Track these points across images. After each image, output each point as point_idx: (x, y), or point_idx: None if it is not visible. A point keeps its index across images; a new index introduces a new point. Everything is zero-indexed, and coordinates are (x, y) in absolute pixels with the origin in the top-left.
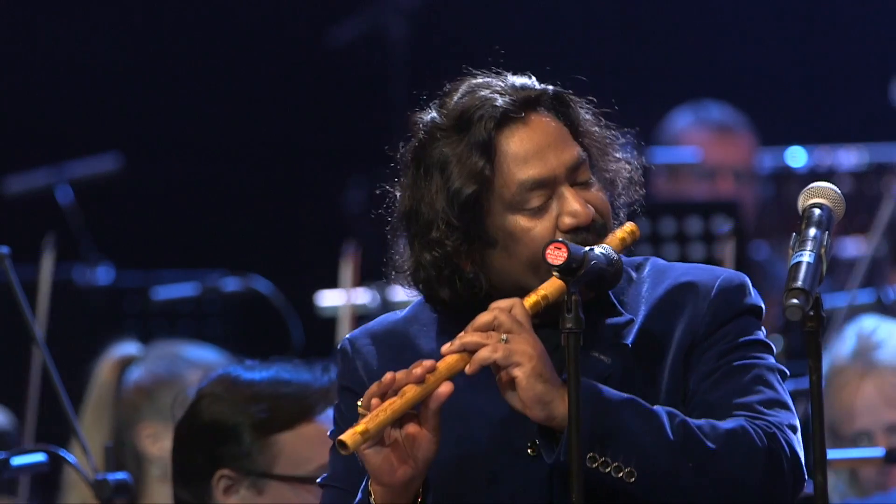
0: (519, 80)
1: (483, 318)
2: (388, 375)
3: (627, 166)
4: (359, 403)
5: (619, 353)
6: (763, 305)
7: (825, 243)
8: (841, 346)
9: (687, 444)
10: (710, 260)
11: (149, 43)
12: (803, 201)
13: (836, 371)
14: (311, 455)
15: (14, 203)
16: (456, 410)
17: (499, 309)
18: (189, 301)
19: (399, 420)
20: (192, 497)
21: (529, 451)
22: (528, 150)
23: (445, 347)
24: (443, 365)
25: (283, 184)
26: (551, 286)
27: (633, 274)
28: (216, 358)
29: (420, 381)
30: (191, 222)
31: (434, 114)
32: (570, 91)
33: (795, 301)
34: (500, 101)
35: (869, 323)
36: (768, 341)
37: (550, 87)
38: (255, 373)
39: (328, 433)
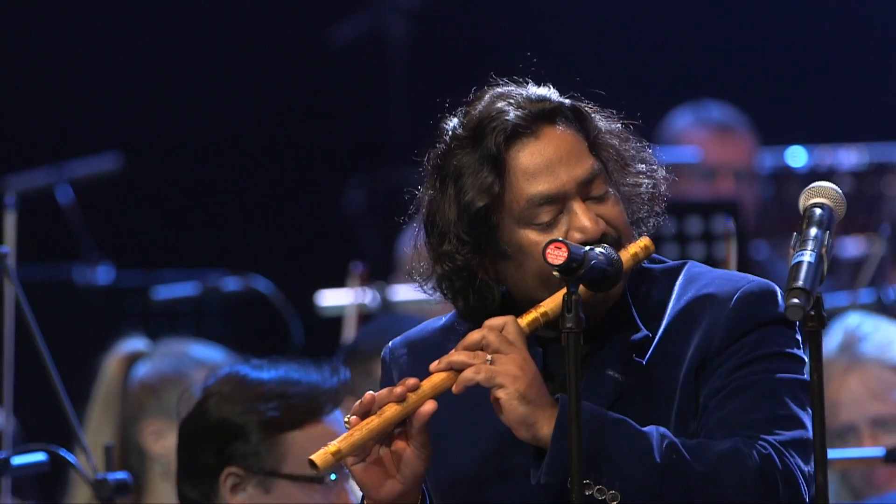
0: (537, 92)
1: (473, 336)
2: (368, 395)
3: (648, 180)
4: (346, 419)
5: (633, 372)
6: None
7: (826, 243)
8: (827, 342)
9: (674, 467)
10: (710, 260)
11: (149, 43)
12: (804, 201)
13: (827, 363)
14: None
15: (15, 203)
16: (465, 424)
17: (489, 328)
18: (189, 301)
19: (388, 436)
20: (198, 495)
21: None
22: (537, 164)
23: (433, 365)
24: (427, 384)
25: (283, 184)
26: (552, 302)
27: (666, 282)
28: (223, 358)
29: (401, 399)
30: (191, 222)
31: (455, 121)
32: (590, 103)
33: (796, 301)
34: (512, 115)
35: (854, 318)
36: (793, 352)
37: (567, 101)
38: (264, 372)
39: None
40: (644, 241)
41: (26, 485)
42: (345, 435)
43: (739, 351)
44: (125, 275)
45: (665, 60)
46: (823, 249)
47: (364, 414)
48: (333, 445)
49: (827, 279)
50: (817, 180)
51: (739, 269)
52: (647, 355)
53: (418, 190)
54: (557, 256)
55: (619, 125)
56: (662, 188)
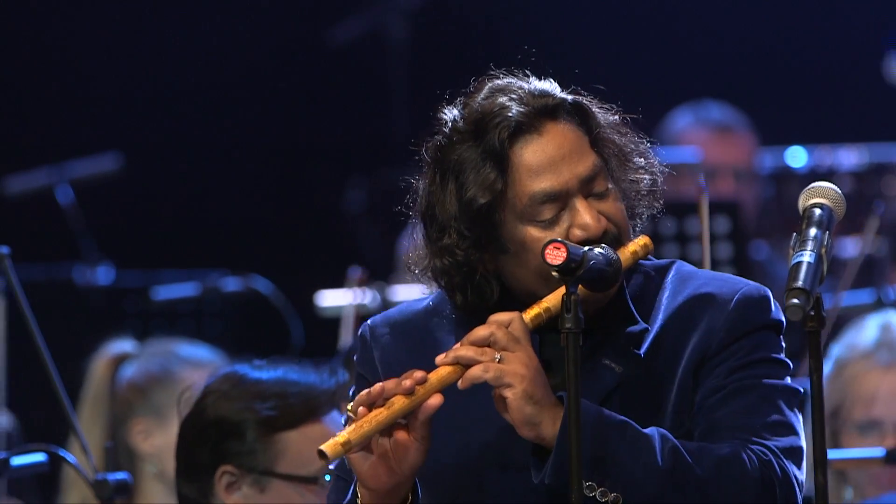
0: (539, 87)
1: (480, 331)
2: (377, 386)
3: (648, 177)
4: (348, 408)
5: (630, 363)
6: (784, 320)
7: (826, 243)
8: (861, 335)
9: (676, 471)
10: (710, 260)
11: (149, 43)
12: (804, 201)
13: (857, 357)
14: (314, 455)
15: (14, 203)
16: (460, 417)
17: (497, 324)
18: (189, 301)
19: (388, 428)
20: (195, 493)
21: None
22: (540, 161)
23: (440, 358)
24: (434, 377)
25: (283, 184)
26: (555, 298)
27: (657, 278)
28: (210, 356)
29: (409, 392)
30: (191, 222)
31: (456, 113)
32: (592, 97)
33: (796, 301)
34: (515, 111)
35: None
36: (784, 359)
37: (570, 96)
38: (263, 372)
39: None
40: (643, 240)
41: (26, 485)
42: (354, 426)
43: (737, 353)
44: (125, 275)
45: (665, 60)
46: (823, 250)
47: (371, 405)
48: (343, 436)
49: (826, 279)
50: (817, 180)
51: (739, 269)
52: (645, 347)
53: (415, 179)
54: (556, 257)
55: (617, 118)
56: (660, 183)
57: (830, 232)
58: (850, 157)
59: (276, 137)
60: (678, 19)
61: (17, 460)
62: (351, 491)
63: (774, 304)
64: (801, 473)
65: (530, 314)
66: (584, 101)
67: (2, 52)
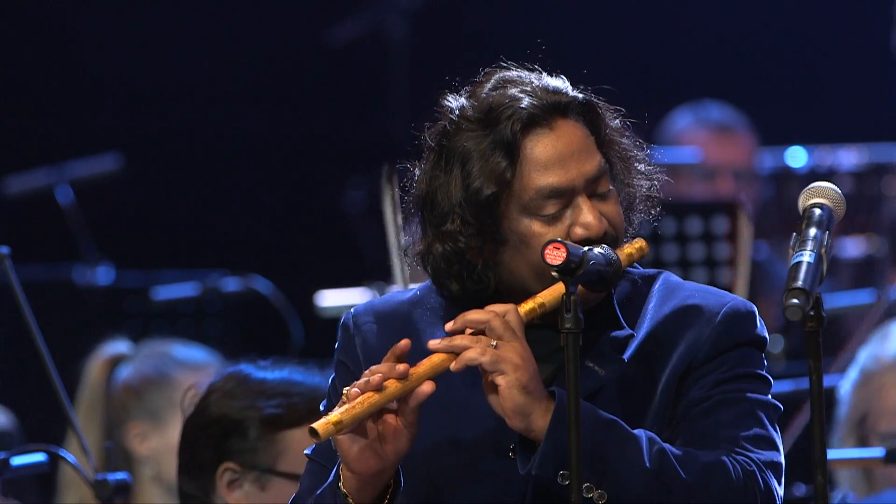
0: (552, 83)
1: (476, 314)
2: (375, 374)
3: (646, 182)
4: (345, 391)
5: (614, 367)
6: (767, 337)
7: (825, 243)
8: (888, 346)
9: (662, 473)
10: (710, 260)
11: (148, 43)
12: (804, 201)
13: (884, 370)
14: None
15: (14, 203)
16: (447, 403)
17: (494, 313)
18: (189, 301)
19: (377, 412)
20: (198, 491)
21: (511, 454)
22: (550, 157)
23: (433, 343)
24: (427, 363)
25: (283, 184)
26: (550, 294)
27: (643, 287)
28: (206, 357)
29: (403, 377)
30: (191, 222)
31: (463, 102)
32: (600, 97)
33: (796, 301)
34: (527, 103)
35: None
36: (767, 375)
37: (580, 95)
38: (267, 371)
39: None
40: (639, 243)
41: (24, 485)
42: (346, 407)
43: (721, 366)
44: (125, 275)
45: (665, 60)
46: (823, 250)
47: (364, 387)
48: (335, 416)
49: (826, 280)
50: (817, 181)
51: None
52: (629, 353)
53: (414, 164)
54: (556, 257)
55: (618, 121)
56: (658, 189)
57: (830, 232)
58: (849, 157)
59: (275, 137)
60: (678, 19)
61: (17, 460)
62: (333, 473)
63: (759, 320)
64: (781, 488)
65: (525, 308)
66: (594, 102)
67: (2, 51)
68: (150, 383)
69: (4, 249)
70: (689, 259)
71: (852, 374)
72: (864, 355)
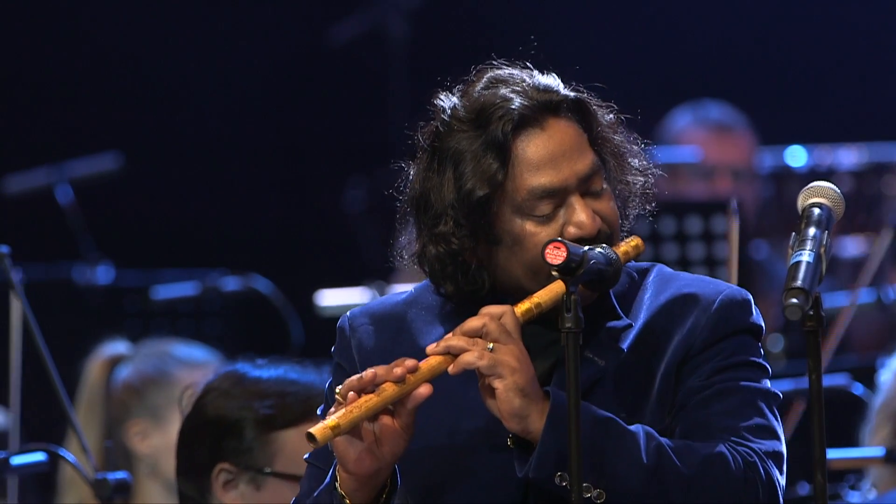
0: (543, 82)
1: (472, 322)
2: (369, 372)
3: (641, 178)
4: (337, 390)
5: (613, 357)
6: (763, 325)
7: (825, 242)
8: None
9: (661, 469)
10: (710, 260)
11: (148, 43)
12: (803, 200)
13: None
14: None
15: (14, 202)
16: (442, 400)
17: (489, 316)
18: (189, 300)
19: (375, 414)
20: (194, 491)
21: (508, 442)
22: (542, 157)
23: (430, 348)
24: (425, 366)
25: (283, 183)
26: (546, 294)
27: (638, 279)
28: (206, 356)
29: (400, 380)
30: (191, 222)
31: (455, 101)
32: (592, 94)
33: (795, 300)
34: (518, 103)
35: None
36: (764, 363)
37: (572, 93)
38: (264, 371)
39: None
40: (635, 241)
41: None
42: (344, 411)
43: (718, 354)
44: (125, 274)
45: (665, 60)
46: (822, 249)
47: (361, 390)
48: (333, 420)
49: (826, 279)
50: (817, 180)
51: (738, 269)
52: (627, 343)
53: (406, 163)
54: (556, 256)
55: (612, 117)
56: (654, 185)
57: (829, 231)
58: (849, 156)
59: (275, 137)
60: (678, 19)
61: (17, 459)
62: (330, 475)
63: (755, 308)
64: (783, 478)
65: (521, 308)
66: (586, 99)
67: (2, 51)
68: (150, 382)
69: (4, 249)
70: (688, 258)
71: (894, 362)
72: None
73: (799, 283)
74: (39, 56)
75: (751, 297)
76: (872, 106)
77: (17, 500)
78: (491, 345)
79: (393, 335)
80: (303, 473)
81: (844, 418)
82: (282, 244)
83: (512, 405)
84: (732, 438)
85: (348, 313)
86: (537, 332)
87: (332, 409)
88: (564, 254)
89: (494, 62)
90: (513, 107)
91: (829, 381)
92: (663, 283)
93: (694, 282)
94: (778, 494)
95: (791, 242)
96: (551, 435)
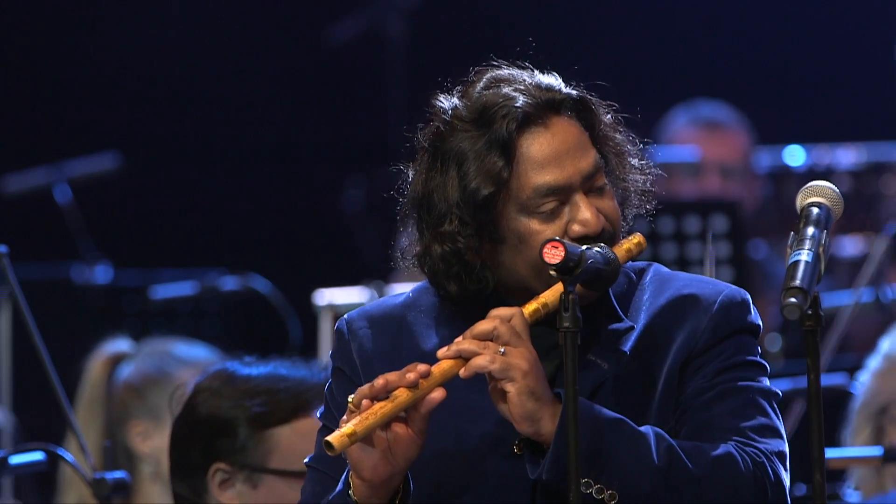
0: (545, 80)
1: (482, 326)
2: (381, 379)
3: (641, 176)
4: (350, 399)
5: (616, 359)
6: (761, 324)
7: (823, 242)
8: None
9: (672, 470)
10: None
11: (148, 42)
12: (801, 200)
13: None
14: (306, 450)
15: (13, 202)
16: (450, 405)
17: (499, 319)
18: (188, 300)
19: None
20: (189, 492)
21: (515, 449)
22: (546, 155)
23: (441, 352)
24: (437, 370)
25: (282, 183)
26: (552, 294)
27: (635, 279)
28: (207, 356)
29: (413, 385)
30: (189, 221)
31: (456, 102)
32: (593, 93)
33: (793, 300)
34: (522, 102)
35: None
36: (764, 362)
37: (574, 92)
38: (253, 368)
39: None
40: (637, 238)
41: (22, 485)
42: (359, 418)
43: (720, 355)
44: (123, 274)
45: (664, 60)
46: (821, 248)
47: (374, 398)
48: (349, 428)
49: (825, 278)
50: (815, 179)
51: (737, 269)
52: (630, 345)
53: (406, 165)
54: (554, 256)
55: (611, 116)
56: (653, 184)
57: (828, 231)
58: (848, 156)
59: (274, 136)
60: (678, 19)
61: (16, 459)
62: (342, 482)
63: (753, 307)
64: (787, 477)
65: (529, 309)
66: (588, 98)
67: (1, 51)
68: (151, 382)
69: (3, 248)
70: (686, 258)
71: (873, 362)
72: (888, 343)
73: (797, 282)
74: (39, 56)
75: (748, 296)
76: (871, 106)
77: (11, 500)
78: (502, 348)
79: (392, 338)
80: (299, 469)
81: (843, 418)
82: (280, 244)
83: (524, 408)
84: (738, 439)
85: (346, 316)
86: (542, 334)
87: (345, 417)
88: (562, 253)
89: (494, 62)
90: (516, 105)
91: (827, 380)
92: (661, 283)
93: (692, 282)
94: (785, 494)
95: (790, 242)
96: (564, 437)
